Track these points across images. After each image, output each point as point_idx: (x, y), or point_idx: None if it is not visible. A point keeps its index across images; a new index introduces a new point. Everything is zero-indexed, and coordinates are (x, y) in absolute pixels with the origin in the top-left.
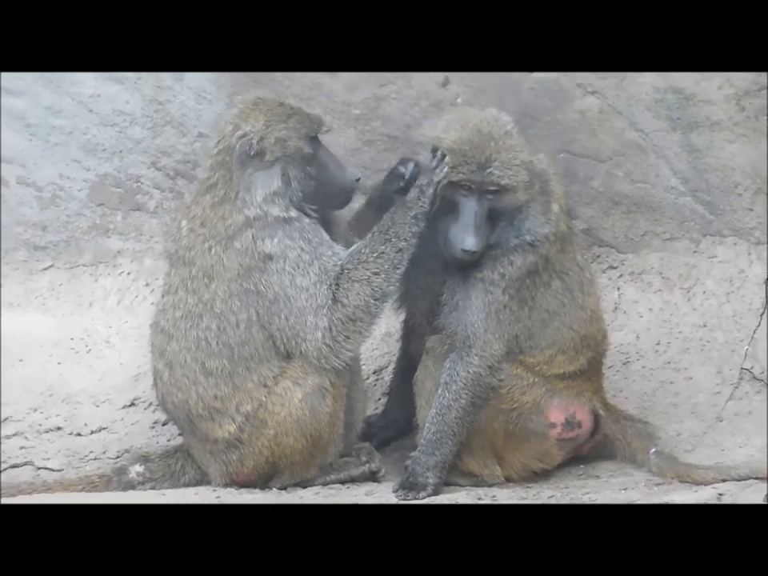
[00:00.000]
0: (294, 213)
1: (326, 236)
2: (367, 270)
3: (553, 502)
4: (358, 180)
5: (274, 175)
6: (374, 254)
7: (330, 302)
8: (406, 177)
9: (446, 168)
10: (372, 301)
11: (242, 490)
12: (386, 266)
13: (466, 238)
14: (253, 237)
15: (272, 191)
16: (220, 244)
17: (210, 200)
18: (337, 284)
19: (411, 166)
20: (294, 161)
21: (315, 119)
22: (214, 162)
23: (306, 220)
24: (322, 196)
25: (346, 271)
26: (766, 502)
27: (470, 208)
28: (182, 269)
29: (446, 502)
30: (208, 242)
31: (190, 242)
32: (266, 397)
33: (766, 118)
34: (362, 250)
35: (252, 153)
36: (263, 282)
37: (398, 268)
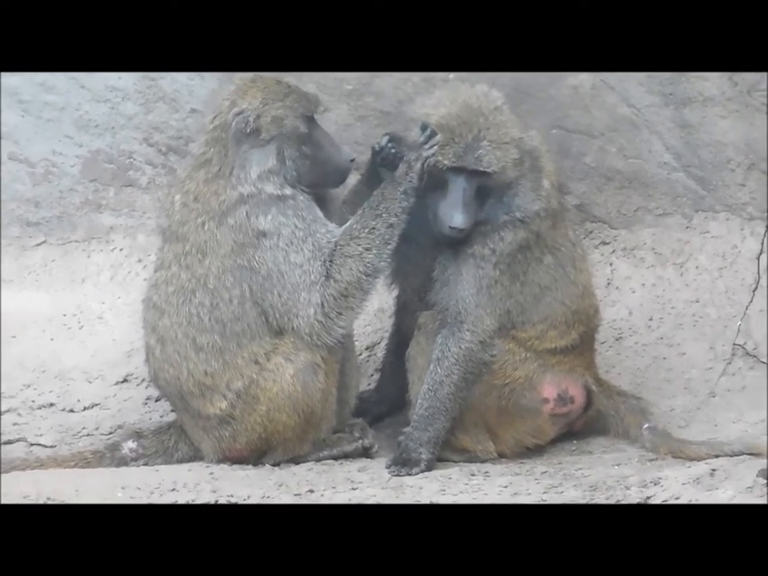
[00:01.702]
0: (288, 190)
1: (319, 213)
2: (359, 245)
3: (546, 477)
4: (352, 160)
5: (269, 153)
6: (366, 230)
7: (323, 278)
8: (377, 150)
9: (436, 146)
10: (364, 277)
11: (235, 466)
12: (378, 242)
13: (454, 215)
14: (247, 213)
15: (267, 169)
16: (213, 220)
17: (203, 175)
18: (330, 260)
19: (385, 140)
20: (289, 140)
21: (312, 99)
22: (210, 138)
23: (301, 197)
24: (317, 175)
25: (339, 247)
26: (758, 478)
27: (458, 185)
28: (175, 244)
29: (438, 477)
30: (201, 217)
31: (183, 217)
32: (256, 374)
33: (758, 93)
34: (354, 226)
35: (248, 130)
36: (257, 258)
37: (389, 243)
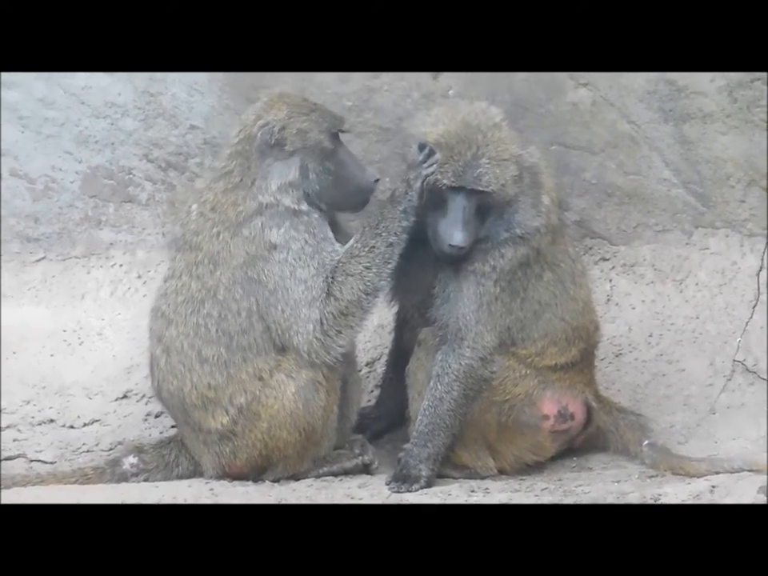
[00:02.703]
0: (304, 206)
1: (330, 233)
2: (360, 263)
3: (546, 494)
4: (377, 181)
5: (292, 165)
6: (366, 249)
7: (324, 294)
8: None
9: (435, 164)
10: (364, 295)
11: (235, 482)
12: (377, 261)
13: (453, 233)
14: (261, 225)
15: (288, 181)
16: (228, 230)
17: (223, 186)
18: (332, 278)
19: None
20: (313, 153)
21: (337, 116)
22: (233, 151)
23: (315, 215)
24: (339, 194)
25: (340, 265)
26: (760, 494)
27: (458, 204)
28: (187, 254)
29: (438, 494)
30: (217, 227)
31: (199, 227)
32: (259, 390)
33: (758, 109)
34: (355, 245)
35: (272, 142)
36: (266, 271)
37: (389, 263)
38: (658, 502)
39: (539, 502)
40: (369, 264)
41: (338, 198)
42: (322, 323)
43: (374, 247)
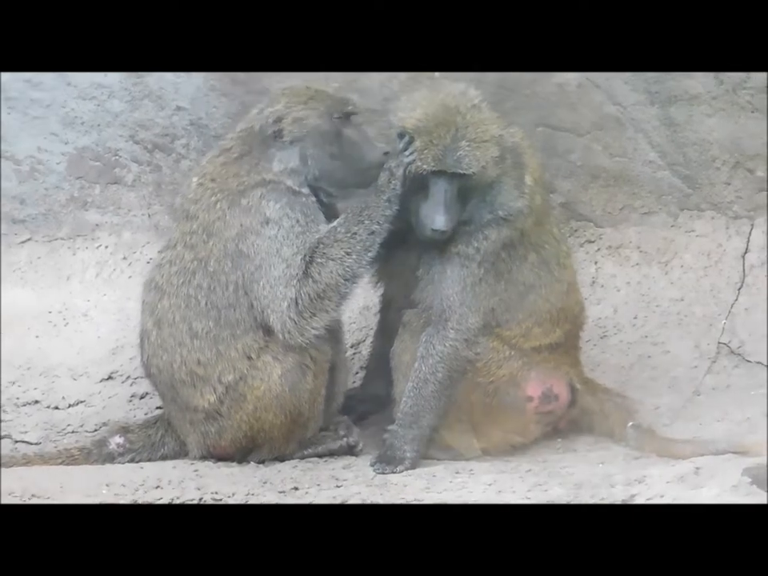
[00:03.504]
0: (305, 189)
1: (322, 217)
2: (341, 249)
3: (531, 475)
4: (386, 153)
5: (293, 154)
6: (348, 234)
7: (301, 274)
8: None
9: (415, 152)
10: (342, 280)
11: (220, 463)
12: (358, 247)
13: (435, 217)
14: (261, 195)
15: (290, 168)
16: (227, 199)
17: (222, 159)
18: (311, 259)
19: None
20: (312, 140)
21: (339, 100)
22: (236, 136)
23: (313, 198)
24: (351, 174)
25: (321, 247)
26: (744, 476)
27: (439, 187)
28: (183, 223)
29: (423, 475)
30: (215, 195)
31: (197, 195)
32: (247, 370)
33: (744, 92)
34: (338, 229)
35: (271, 133)
36: (255, 246)
37: (370, 251)
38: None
39: (524, 483)
40: (349, 250)
41: (350, 176)
42: (297, 303)
43: (355, 234)
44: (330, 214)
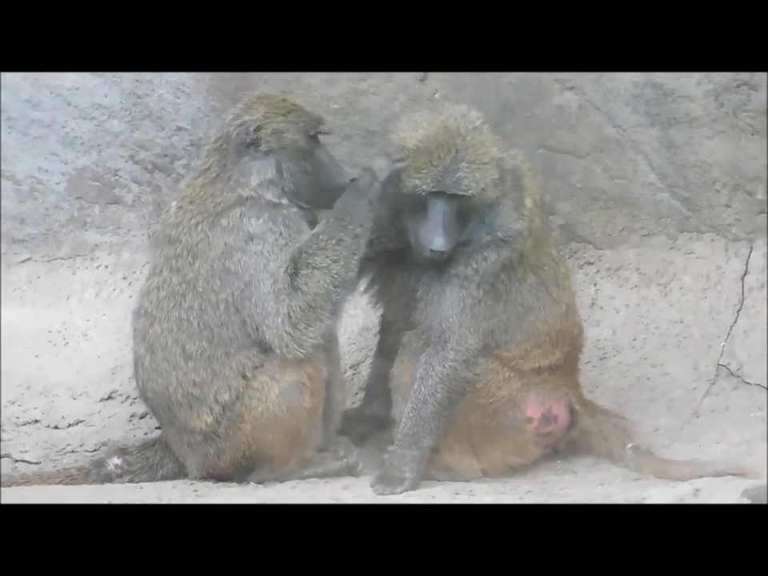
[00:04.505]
0: (285, 200)
1: (305, 226)
2: (327, 257)
3: (530, 496)
4: (353, 180)
5: (269, 165)
6: (332, 242)
7: (288, 287)
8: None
9: (402, 160)
10: (332, 288)
11: (220, 484)
12: (345, 253)
13: (434, 238)
14: (240, 215)
15: (267, 179)
16: (207, 221)
17: (201, 181)
18: (295, 270)
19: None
20: (289, 153)
21: (316, 118)
22: (211, 149)
23: (294, 209)
24: (316, 193)
25: (304, 257)
26: (744, 498)
27: (438, 208)
28: (167, 248)
29: (423, 496)
30: (195, 218)
31: (177, 219)
32: (243, 388)
33: (744, 114)
34: (320, 237)
35: (248, 141)
36: (242, 263)
37: (356, 254)
38: (644, 502)
39: (523, 504)
40: (336, 257)
41: (316, 196)
42: (290, 316)
43: (340, 240)
44: (312, 220)
